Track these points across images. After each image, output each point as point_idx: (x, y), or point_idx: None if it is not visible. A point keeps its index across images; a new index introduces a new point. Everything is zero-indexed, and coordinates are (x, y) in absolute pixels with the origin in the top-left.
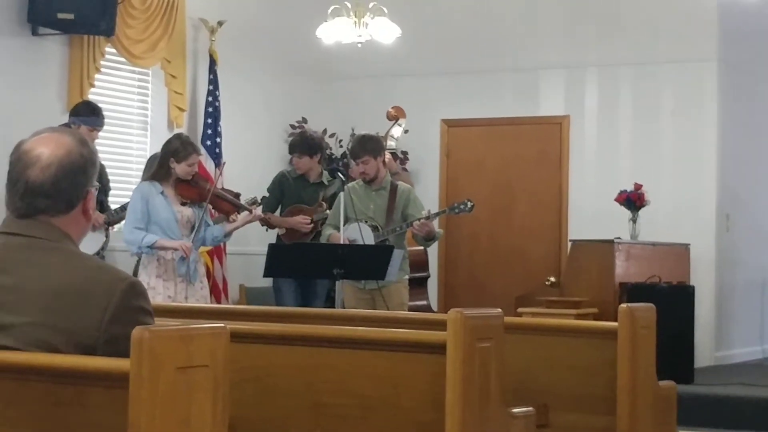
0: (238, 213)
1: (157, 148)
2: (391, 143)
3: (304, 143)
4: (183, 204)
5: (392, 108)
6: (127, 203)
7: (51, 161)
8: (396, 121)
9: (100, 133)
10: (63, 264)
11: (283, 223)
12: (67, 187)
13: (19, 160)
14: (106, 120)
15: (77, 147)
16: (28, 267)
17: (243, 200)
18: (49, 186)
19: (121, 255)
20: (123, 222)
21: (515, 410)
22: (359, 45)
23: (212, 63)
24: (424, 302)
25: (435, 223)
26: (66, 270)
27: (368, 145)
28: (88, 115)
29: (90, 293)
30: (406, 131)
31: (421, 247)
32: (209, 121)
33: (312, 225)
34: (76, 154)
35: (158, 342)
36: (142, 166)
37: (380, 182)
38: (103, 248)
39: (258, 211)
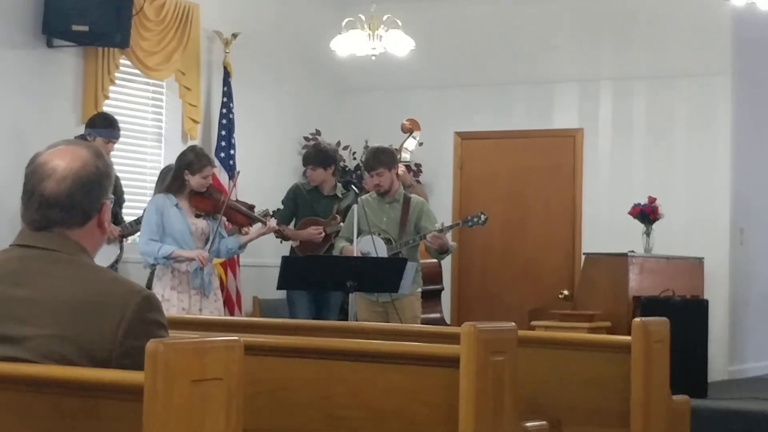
0: (251, 225)
1: (171, 160)
2: (405, 155)
3: (317, 155)
4: (197, 216)
5: (407, 120)
6: (142, 216)
7: (66, 174)
8: (411, 134)
9: (115, 145)
10: (78, 276)
11: (297, 235)
12: (82, 200)
13: (34, 172)
14: (120, 131)
15: (92, 159)
16: (43, 279)
17: (256, 212)
18: (64, 198)
19: (135, 267)
20: (137, 234)
21: (528, 424)
22: (373, 57)
23: (226, 75)
24: (437, 315)
25: (448, 236)
26: (81, 282)
27: (382, 157)
28: (104, 127)
29: (105, 306)
30: (420, 144)
31: (435, 260)
32: (223, 133)
33: (324, 236)
34: (91, 166)
35: (173, 355)
36: (156, 178)
37: (393, 194)
38: (117, 260)
39: (272, 222)
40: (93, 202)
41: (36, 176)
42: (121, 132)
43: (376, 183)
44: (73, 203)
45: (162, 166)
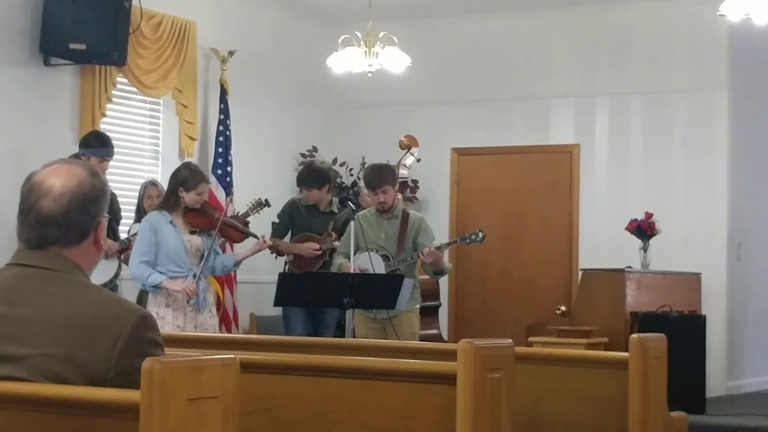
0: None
1: (168, 177)
2: (403, 172)
3: (309, 176)
4: (192, 233)
5: (405, 137)
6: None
7: (63, 192)
8: (408, 150)
9: (112, 162)
10: (74, 296)
11: (292, 248)
12: (78, 218)
13: (31, 191)
14: (117, 149)
15: (88, 178)
16: (40, 298)
17: (247, 203)
18: (61, 217)
19: (128, 284)
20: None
21: None
22: (370, 74)
23: (223, 92)
24: (434, 331)
25: (445, 255)
26: (77, 302)
27: (386, 175)
28: (97, 146)
29: (101, 325)
30: (418, 160)
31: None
32: (220, 150)
33: (320, 252)
34: (87, 185)
35: (169, 373)
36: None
37: (393, 211)
38: (116, 275)
39: (266, 238)
40: (89, 221)
41: (32, 195)
42: (118, 149)
43: (381, 200)
44: (69, 221)
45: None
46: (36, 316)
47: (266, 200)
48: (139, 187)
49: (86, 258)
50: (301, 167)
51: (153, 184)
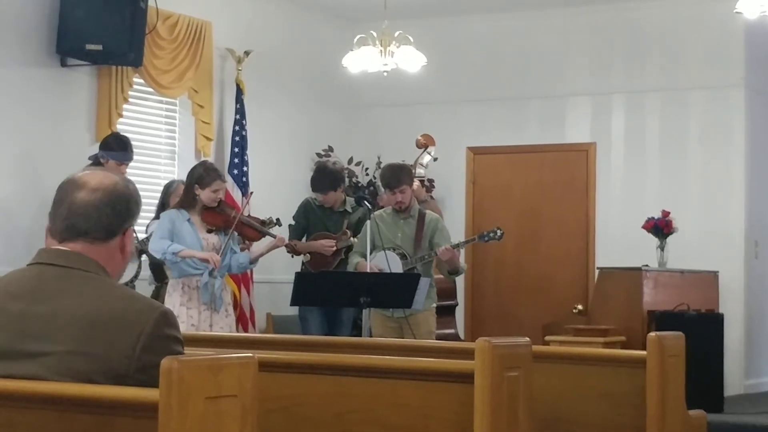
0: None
1: (185, 177)
2: (420, 171)
3: (325, 180)
4: (209, 231)
5: (421, 136)
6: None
7: (98, 187)
8: (426, 149)
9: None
10: (96, 293)
11: (309, 247)
12: (109, 214)
13: (66, 184)
14: (133, 149)
15: (123, 182)
16: (63, 296)
17: (263, 222)
18: (92, 209)
19: (143, 284)
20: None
21: None
22: (385, 74)
23: (239, 92)
24: (451, 330)
25: (461, 255)
26: (99, 299)
27: (403, 175)
28: (117, 149)
29: (123, 321)
30: (435, 159)
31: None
32: (236, 150)
33: (335, 250)
34: (122, 187)
35: (187, 372)
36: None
37: (409, 210)
38: (136, 276)
39: (282, 236)
40: (118, 221)
41: (67, 186)
42: (135, 150)
43: (399, 200)
44: (99, 215)
45: None
46: (58, 314)
47: (278, 219)
48: (154, 188)
49: (111, 262)
50: (316, 165)
51: (182, 182)
